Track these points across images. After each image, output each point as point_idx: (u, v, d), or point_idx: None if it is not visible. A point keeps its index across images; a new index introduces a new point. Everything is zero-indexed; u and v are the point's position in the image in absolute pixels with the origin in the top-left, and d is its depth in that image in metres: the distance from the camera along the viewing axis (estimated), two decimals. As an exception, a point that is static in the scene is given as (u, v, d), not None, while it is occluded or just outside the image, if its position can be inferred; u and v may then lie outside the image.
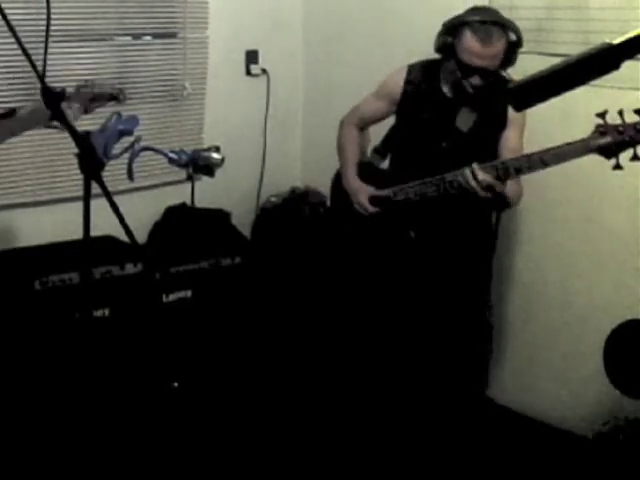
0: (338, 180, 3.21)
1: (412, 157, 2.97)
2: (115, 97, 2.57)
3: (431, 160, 2.84)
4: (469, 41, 2.66)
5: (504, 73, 2.82)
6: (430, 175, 2.76)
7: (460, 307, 3.01)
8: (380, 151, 3.12)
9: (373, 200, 3.00)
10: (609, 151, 2.36)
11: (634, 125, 2.33)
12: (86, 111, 2.47)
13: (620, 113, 2.31)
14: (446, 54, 2.80)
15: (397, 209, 2.92)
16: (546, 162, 2.48)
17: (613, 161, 2.38)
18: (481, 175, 2.53)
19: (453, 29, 2.73)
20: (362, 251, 3.12)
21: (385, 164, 3.14)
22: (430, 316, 3.02)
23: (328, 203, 3.97)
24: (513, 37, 2.71)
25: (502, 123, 2.81)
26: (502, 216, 3.13)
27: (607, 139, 2.35)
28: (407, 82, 2.95)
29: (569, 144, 2.42)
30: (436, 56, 2.91)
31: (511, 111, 2.70)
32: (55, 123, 2.19)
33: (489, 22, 2.67)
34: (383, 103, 3.05)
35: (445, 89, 2.89)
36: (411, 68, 2.97)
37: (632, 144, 2.34)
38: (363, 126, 3.16)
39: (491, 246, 3.10)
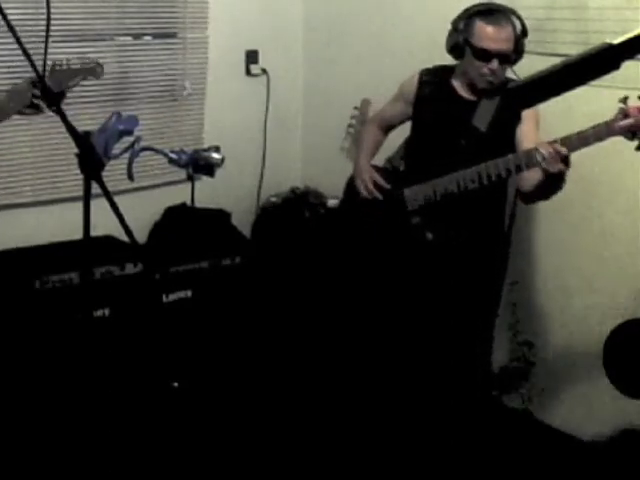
0: (352, 182, 3.23)
1: (429, 157, 2.99)
2: (93, 71, 2.55)
3: (450, 158, 2.86)
4: (482, 28, 2.74)
5: (514, 76, 2.87)
6: (449, 172, 2.79)
7: (474, 309, 3.02)
8: (396, 160, 3.17)
9: (376, 186, 3.10)
10: (632, 133, 2.40)
11: None
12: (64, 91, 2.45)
13: None
14: (458, 53, 2.85)
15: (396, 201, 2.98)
16: (570, 147, 2.49)
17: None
18: (562, 149, 2.48)
19: (462, 24, 2.81)
20: (376, 252, 3.13)
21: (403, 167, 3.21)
22: (441, 318, 3.01)
23: (328, 203, 3.98)
24: (518, 23, 2.78)
25: (517, 118, 2.83)
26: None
27: (630, 120, 2.39)
28: (420, 83, 3.02)
29: (593, 127, 2.45)
30: (447, 62, 2.96)
31: None
32: (29, 110, 2.20)
33: (494, 9, 2.78)
34: (399, 104, 3.12)
35: (460, 89, 2.91)
36: (425, 71, 3.03)
37: None
38: (384, 126, 3.25)
39: (506, 250, 3.11)
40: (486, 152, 2.73)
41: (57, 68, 2.43)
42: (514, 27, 2.77)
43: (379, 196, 3.09)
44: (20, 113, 2.32)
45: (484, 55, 2.75)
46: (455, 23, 2.84)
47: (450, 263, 2.95)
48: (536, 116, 2.84)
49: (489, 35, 2.73)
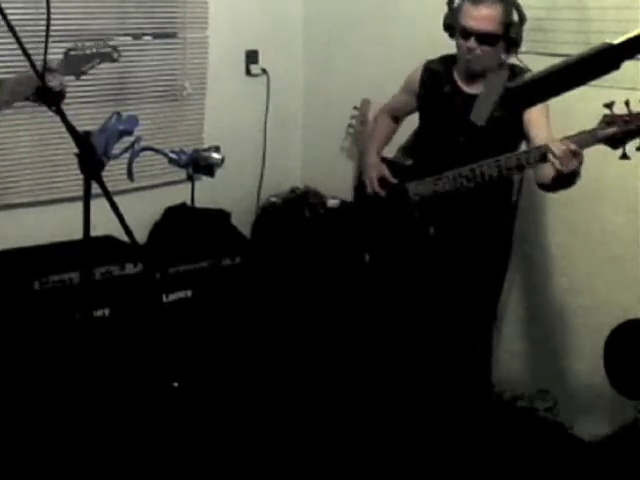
0: (361, 175, 3.24)
1: (432, 151, 2.99)
2: (109, 56, 2.53)
3: (449, 154, 2.85)
4: (467, 7, 2.75)
5: (518, 62, 2.84)
6: (448, 169, 2.79)
7: (474, 304, 3.02)
8: (406, 150, 3.17)
9: (383, 181, 3.10)
10: (616, 141, 2.37)
11: None
12: (79, 75, 2.42)
13: (627, 103, 2.33)
14: (451, 31, 2.86)
15: (402, 200, 2.98)
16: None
17: (615, 155, 2.37)
18: (572, 145, 2.43)
19: (455, 3, 2.84)
20: (380, 246, 3.14)
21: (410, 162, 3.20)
22: (444, 313, 3.02)
23: (328, 203, 3.99)
24: (512, 9, 2.75)
25: (518, 116, 2.81)
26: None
27: (614, 129, 2.36)
28: (424, 73, 3.02)
29: (576, 135, 2.41)
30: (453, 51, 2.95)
31: None
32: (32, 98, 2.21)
33: None
34: (406, 95, 3.14)
35: (459, 81, 2.91)
36: (429, 62, 3.03)
37: (639, 134, 2.34)
38: (395, 116, 3.25)
39: (509, 244, 3.10)
40: (485, 148, 2.72)
41: (72, 53, 2.42)
42: (505, 10, 2.73)
43: (383, 194, 3.08)
44: (27, 99, 2.31)
45: (464, 33, 2.76)
46: (450, 3, 2.87)
47: (452, 258, 2.95)
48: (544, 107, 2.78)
49: (470, 13, 2.73)
